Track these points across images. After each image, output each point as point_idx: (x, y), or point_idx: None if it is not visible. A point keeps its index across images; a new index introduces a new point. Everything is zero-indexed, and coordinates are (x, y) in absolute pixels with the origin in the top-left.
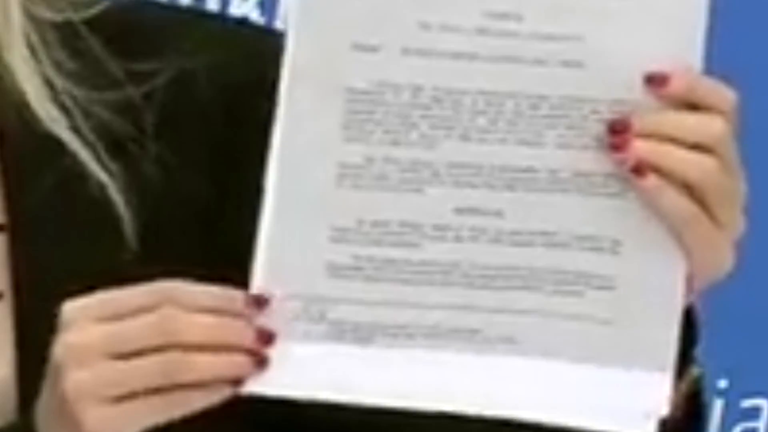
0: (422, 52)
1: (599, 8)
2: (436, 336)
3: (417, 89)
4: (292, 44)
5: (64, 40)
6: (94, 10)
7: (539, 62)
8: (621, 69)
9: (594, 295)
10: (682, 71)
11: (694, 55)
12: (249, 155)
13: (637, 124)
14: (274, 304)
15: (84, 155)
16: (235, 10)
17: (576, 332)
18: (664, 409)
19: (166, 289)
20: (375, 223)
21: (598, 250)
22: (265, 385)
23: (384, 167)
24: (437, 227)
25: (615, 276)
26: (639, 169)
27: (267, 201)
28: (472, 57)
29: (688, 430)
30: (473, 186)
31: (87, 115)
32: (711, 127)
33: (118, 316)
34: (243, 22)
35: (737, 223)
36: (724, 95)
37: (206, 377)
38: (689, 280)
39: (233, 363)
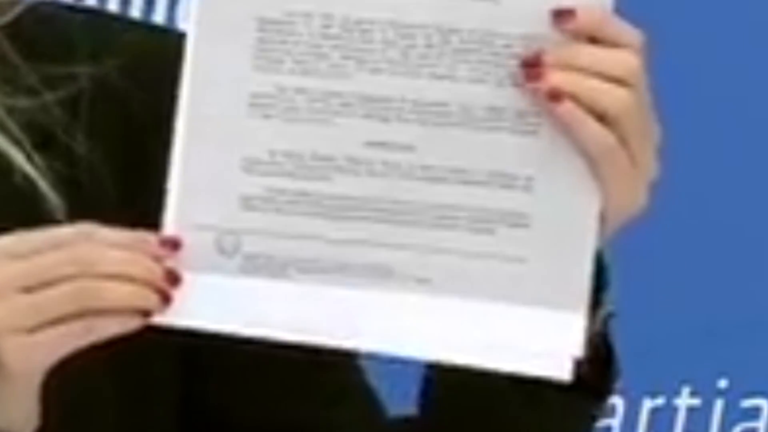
0: None
1: None
2: (349, 271)
3: (327, 18)
4: None
5: None
6: (8, 16)
7: None
8: (534, 5)
9: (507, 232)
10: (589, 7)
11: None
12: (162, 151)
13: (552, 56)
14: (188, 237)
15: (10, 151)
16: None
17: (489, 271)
18: (578, 350)
19: (81, 228)
20: (287, 154)
21: (511, 187)
22: (177, 316)
23: (295, 97)
24: (349, 160)
25: (528, 213)
26: (555, 95)
27: (178, 134)
28: None
29: (599, 370)
30: (384, 119)
31: (10, 113)
32: (625, 60)
33: (33, 253)
34: (144, 22)
35: (651, 164)
36: (632, 33)
37: (114, 305)
38: (602, 222)
39: (140, 295)
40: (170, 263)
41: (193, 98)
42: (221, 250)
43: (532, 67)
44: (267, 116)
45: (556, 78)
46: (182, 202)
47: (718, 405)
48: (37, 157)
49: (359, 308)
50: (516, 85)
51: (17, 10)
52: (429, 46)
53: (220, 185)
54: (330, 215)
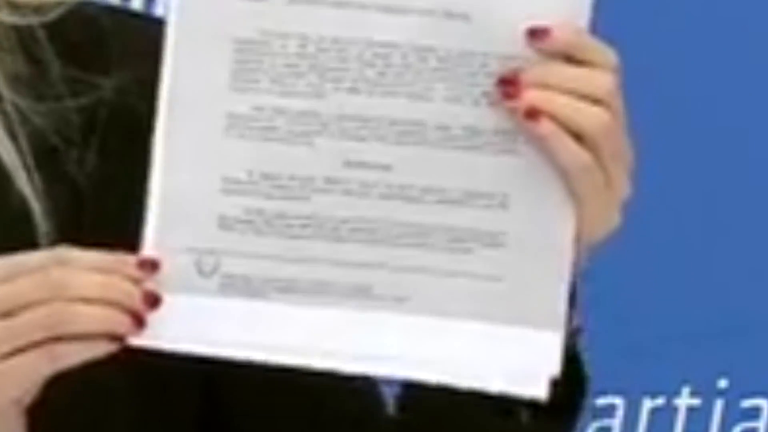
0: (308, 1)
1: None
2: (327, 291)
3: (303, 39)
4: None
5: (22, 45)
6: (48, 17)
7: (425, 13)
8: (508, 24)
9: (484, 252)
10: (564, 25)
11: (582, 14)
12: None
13: (527, 74)
14: (166, 259)
15: (14, 163)
16: None
17: (466, 290)
18: (555, 369)
19: (56, 252)
20: (265, 175)
21: (487, 206)
22: (154, 338)
23: (272, 117)
24: (327, 180)
25: (505, 232)
26: (532, 113)
27: (156, 155)
28: (358, 6)
29: (568, 388)
30: (362, 139)
31: (24, 121)
32: (601, 80)
33: (5, 279)
34: None
35: (625, 184)
36: (607, 53)
37: (86, 329)
38: (577, 241)
39: (112, 319)
40: (149, 285)
41: (171, 119)
42: (200, 271)
43: (508, 85)
44: (244, 137)
45: (533, 96)
46: (160, 223)
47: (718, 405)
48: (37, 178)
49: (338, 328)
50: (493, 104)
51: (61, 9)
52: (405, 65)
53: (198, 206)
54: (307, 235)
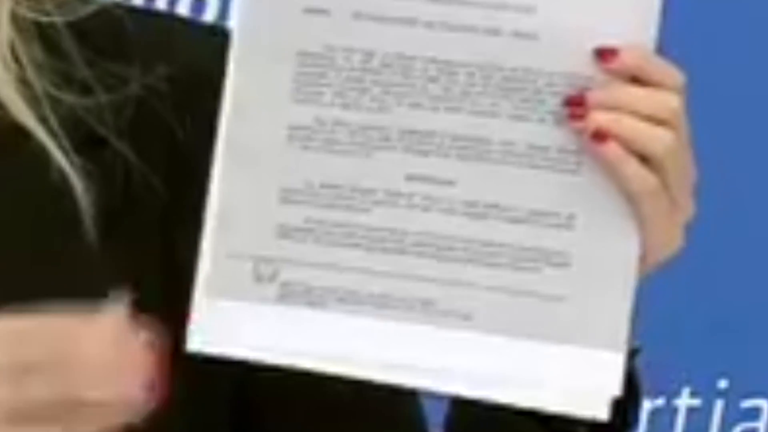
0: (374, 17)
1: None
2: (389, 304)
3: (368, 54)
4: (243, 7)
5: (45, 39)
6: (73, 15)
7: (492, 32)
8: (575, 43)
9: (548, 271)
10: (632, 46)
11: (649, 34)
12: (205, 158)
13: (595, 96)
14: (225, 266)
15: (49, 144)
16: None
17: (529, 308)
18: (616, 389)
19: (72, 322)
20: (325, 186)
21: (552, 225)
22: (210, 345)
23: (334, 130)
24: (388, 193)
25: (569, 252)
26: (600, 136)
27: (217, 162)
28: (424, 24)
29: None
30: (425, 153)
31: (56, 108)
32: (668, 101)
33: (21, 342)
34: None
35: (689, 205)
36: (674, 74)
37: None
38: (640, 262)
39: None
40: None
41: (232, 128)
42: (258, 278)
43: (575, 106)
44: (305, 148)
45: (600, 118)
46: (219, 229)
47: (718, 405)
48: (74, 156)
49: (399, 341)
50: (558, 123)
51: (89, 8)
52: (470, 83)
53: (257, 214)
54: (369, 247)
